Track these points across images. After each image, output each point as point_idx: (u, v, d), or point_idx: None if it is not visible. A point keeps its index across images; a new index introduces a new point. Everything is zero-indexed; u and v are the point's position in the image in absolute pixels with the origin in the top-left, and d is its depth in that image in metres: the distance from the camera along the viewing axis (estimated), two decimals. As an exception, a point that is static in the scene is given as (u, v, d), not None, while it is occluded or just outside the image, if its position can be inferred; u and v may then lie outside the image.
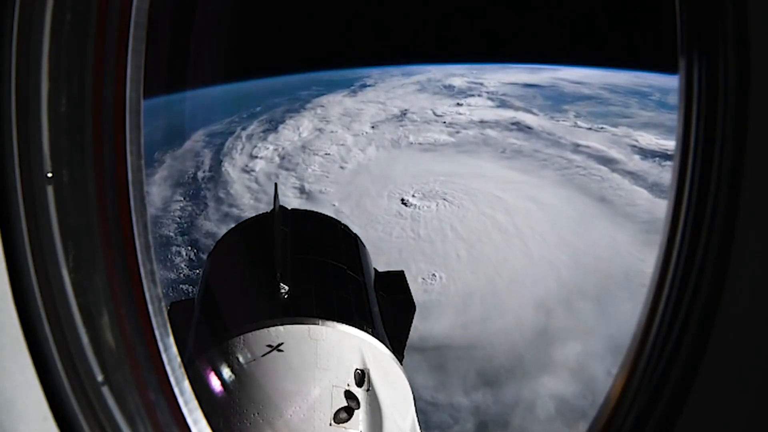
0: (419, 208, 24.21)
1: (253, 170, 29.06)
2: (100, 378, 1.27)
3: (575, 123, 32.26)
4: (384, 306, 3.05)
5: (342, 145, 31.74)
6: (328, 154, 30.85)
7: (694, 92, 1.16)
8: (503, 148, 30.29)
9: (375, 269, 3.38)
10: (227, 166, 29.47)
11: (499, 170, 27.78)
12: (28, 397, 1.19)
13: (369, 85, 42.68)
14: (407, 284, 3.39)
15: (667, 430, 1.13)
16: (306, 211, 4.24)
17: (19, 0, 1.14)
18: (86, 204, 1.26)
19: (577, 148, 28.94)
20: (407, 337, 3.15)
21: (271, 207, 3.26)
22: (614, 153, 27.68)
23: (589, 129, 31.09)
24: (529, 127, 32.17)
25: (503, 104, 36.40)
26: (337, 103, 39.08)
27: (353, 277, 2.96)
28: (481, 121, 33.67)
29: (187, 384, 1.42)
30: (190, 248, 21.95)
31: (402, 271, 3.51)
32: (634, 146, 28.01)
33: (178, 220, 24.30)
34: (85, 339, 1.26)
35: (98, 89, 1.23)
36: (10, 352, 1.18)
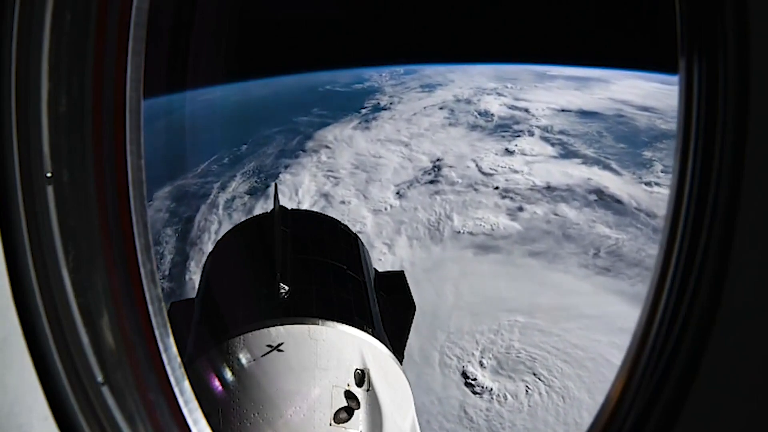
0: (496, 398, 14.39)
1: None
2: (100, 378, 1.27)
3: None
4: (384, 306, 3.05)
5: (360, 232, 18.80)
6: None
7: (694, 92, 1.16)
8: (595, 246, 20.87)
9: (375, 269, 3.38)
10: (194, 271, 19.57)
11: (602, 298, 18.07)
12: (28, 397, 1.19)
13: (383, 108, 34.30)
14: (407, 284, 3.39)
15: (667, 430, 1.13)
16: (306, 211, 4.25)
17: (19, 0, 1.14)
18: (86, 204, 1.26)
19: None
20: (407, 337, 3.15)
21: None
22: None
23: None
24: (619, 201, 23.24)
25: (566, 150, 28.13)
26: (346, 141, 29.84)
27: (353, 277, 2.96)
28: (548, 188, 24.66)
29: (187, 384, 1.42)
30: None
31: (402, 271, 3.51)
32: None
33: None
34: (85, 339, 1.26)
35: (98, 89, 1.23)
36: (11, 352, 1.18)
